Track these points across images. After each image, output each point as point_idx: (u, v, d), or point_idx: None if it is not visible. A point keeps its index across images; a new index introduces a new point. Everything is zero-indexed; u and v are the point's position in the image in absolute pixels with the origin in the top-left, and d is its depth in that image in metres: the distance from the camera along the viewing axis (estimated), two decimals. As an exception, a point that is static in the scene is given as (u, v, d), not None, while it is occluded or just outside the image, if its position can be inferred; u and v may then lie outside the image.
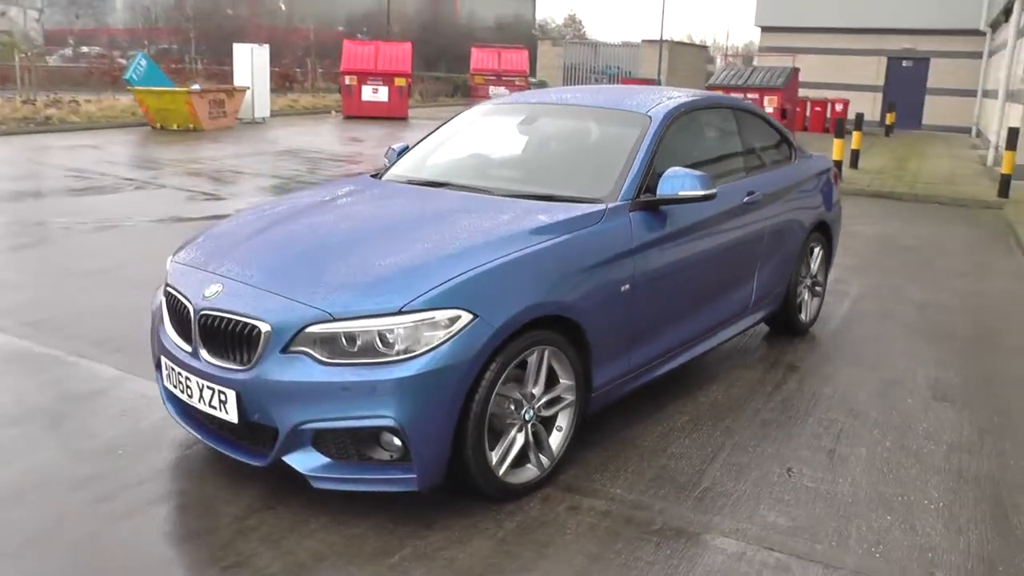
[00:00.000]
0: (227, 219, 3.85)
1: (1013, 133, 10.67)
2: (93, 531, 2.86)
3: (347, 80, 22.15)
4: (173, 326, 3.21)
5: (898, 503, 3.30)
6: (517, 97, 4.96)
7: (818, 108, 23.84)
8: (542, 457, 3.21)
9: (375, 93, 22.02)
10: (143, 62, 17.98)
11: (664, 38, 33.62)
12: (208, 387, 2.95)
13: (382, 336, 2.76)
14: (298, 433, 2.80)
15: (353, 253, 3.10)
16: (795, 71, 22.75)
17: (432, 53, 37.17)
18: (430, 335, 2.77)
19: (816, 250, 5.35)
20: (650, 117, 4.03)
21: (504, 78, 27.86)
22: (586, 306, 3.26)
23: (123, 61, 25.32)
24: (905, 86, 26.95)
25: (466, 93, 31.62)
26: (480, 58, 28.19)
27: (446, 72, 37.40)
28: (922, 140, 22.78)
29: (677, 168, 3.74)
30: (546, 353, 3.11)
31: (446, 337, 2.77)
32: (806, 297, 5.31)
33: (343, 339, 2.77)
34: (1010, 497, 3.39)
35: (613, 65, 34.75)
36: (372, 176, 4.52)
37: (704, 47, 40.97)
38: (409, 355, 2.74)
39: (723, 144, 4.62)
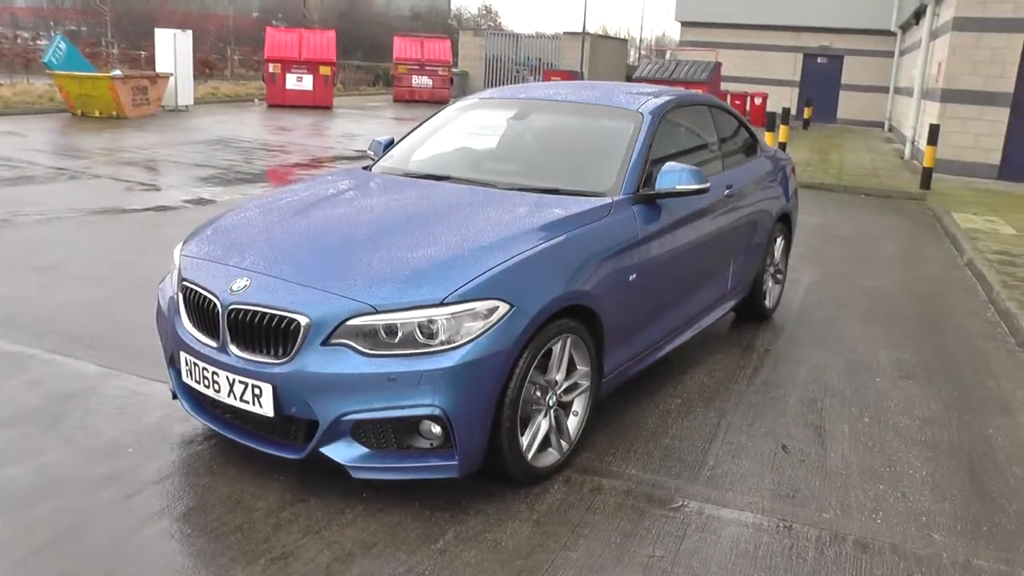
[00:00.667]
0: (229, 212, 3.80)
1: (934, 130, 11.34)
2: (129, 527, 2.83)
3: (271, 68, 21.66)
4: (192, 321, 3.18)
5: (887, 473, 3.55)
6: (504, 92, 5.03)
7: (738, 101, 24.63)
8: (562, 441, 3.32)
9: (299, 82, 21.60)
10: (62, 45, 17.11)
11: (584, 30, 34.00)
12: (240, 381, 2.94)
13: (424, 327, 2.82)
14: (339, 424, 2.82)
15: (381, 246, 3.13)
16: (718, 65, 23.42)
17: (348, 42, 36.58)
18: (470, 325, 2.84)
19: (779, 240, 5.63)
20: (642, 114, 4.17)
21: (427, 68, 27.73)
22: (601, 295, 3.38)
23: (35, 44, 24.02)
24: (820, 82, 28.14)
25: (388, 83, 31.31)
26: (403, 47, 27.96)
27: (362, 61, 36.89)
28: (838, 133, 23.85)
29: (673, 163, 3.90)
30: (568, 341, 3.22)
31: (486, 327, 2.85)
32: (770, 284, 5.58)
33: (386, 331, 2.81)
34: (981, 464, 3.69)
35: (534, 57, 34.90)
36: (364, 169, 4.52)
37: (623, 40, 41.66)
38: (452, 345, 2.81)
39: (703, 139, 4.81)
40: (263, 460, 3.25)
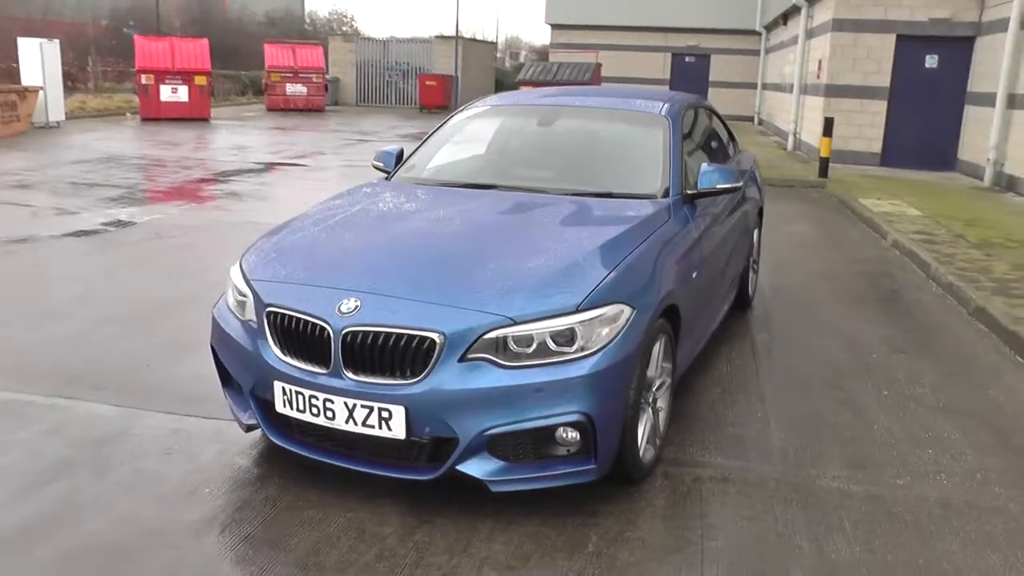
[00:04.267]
0: (282, 233, 3.64)
1: (829, 122, 12.21)
2: (260, 570, 2.68)
3: (144, 80, 20.44)
4: (286, 347, 3.02)
5: (928, 438, 3.85)
6: (515, 99, 5.04)
7: (614, 101, 25.43)
8: (656, 438, 3.40)
9: (174, 93, 20.52)
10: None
11: (443, 33, 34.11)
12: (364, 406, 2.83)
13: (559, 336, 2.82)
14: (478, 440, 2.78)
15: (488, 257, 3.10)
16: (598, 66, 24.12)
17: (207, 50, 34.89)
18: (601, 331, 2.88)
19: (755, 231, 5.94)
20: (667, 118, 4.31)
21: (301, 75, 26.98)
22: (680, 293, 3.49)
23: None
24: (690, 80, 29.48)
25: (258, 91, 30.23)
26: (275, 55, 27.07)
27: (221, 69, 35.39)
28: (710, 128, 25.02)
29: (707, 164, 4.07)
30: (663, 339, 3.31)
31: (616, 331, 2.90)
32: (751, 274, 5.88)
33: (523, 342, 2.80)
34: (998, 423, 4.07)
35: (403, 61, 34.62)
36: (385, 179, 4.43)
37: (493, 43, 42.04)
38: (590, 351, 2.83)
39: (707, 140, 5.03)
40: (353, 484, 3.15)
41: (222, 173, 12.12)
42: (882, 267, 7.42)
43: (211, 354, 3.52)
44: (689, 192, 3.97)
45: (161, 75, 20.38)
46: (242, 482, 3.25)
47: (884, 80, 13.91)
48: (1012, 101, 11.62)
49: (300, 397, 2.94)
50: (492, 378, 2.76)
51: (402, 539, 2.87)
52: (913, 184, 12.09)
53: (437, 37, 34.71)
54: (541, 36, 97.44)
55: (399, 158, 4.61)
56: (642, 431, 3.20)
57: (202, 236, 7.81)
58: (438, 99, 29.06)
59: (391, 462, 2.95)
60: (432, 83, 29.44)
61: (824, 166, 12.27)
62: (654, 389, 3.32)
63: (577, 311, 2.86)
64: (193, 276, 6.27)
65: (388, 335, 2.82)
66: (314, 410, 2.93)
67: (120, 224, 8.22)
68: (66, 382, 4.17)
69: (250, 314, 3.19)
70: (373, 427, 2.84)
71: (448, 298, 2.88)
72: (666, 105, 4.48)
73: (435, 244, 3.27)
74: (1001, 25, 12.25)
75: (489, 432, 2.78)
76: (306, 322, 2.95)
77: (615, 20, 29.46)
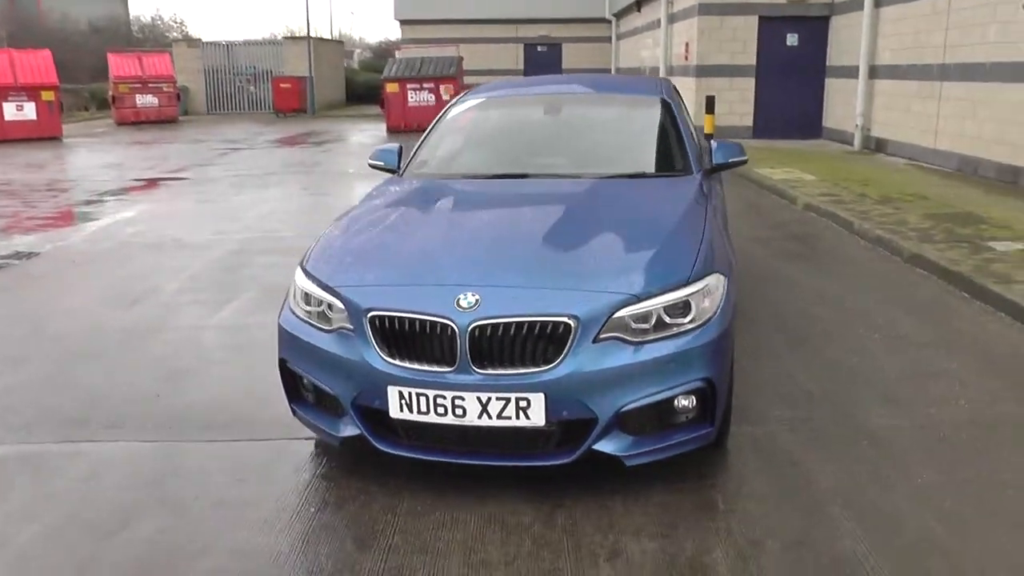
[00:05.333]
0: (342, 238, 3.54)
1: (711, 100, 12.97)
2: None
3: (-19, 98, 18.64)
4: (397, 350, 2.98)
5: (933, 371, 4.27)
6: (506, 90, 5.09)
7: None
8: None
9: (20, 111, 18.82)
10: None
11: (309, 35, 33.20)
12: (499, 398, 2.84)
13: (672, 309, 2.96)
14: (614, 418, 2.88)
15: (581, 241, 3.20)
16: (461, 59, 24.21)
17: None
18: (705, 300, 3.04)
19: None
20: (666, 101, 4.54)
21: (151, 85, 25.47)
22: (725, 263, 3.71)
23: None
24: (543, 69, 30.22)
25: (101, 105, 28.27)
26: (120, 65, 25.38)
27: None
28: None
29: (715, 141, 4.32)
30: (728, 305, 3.52)
31: (719, 298, 3.07)
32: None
33: (642, 318, 2.92)
34: (981, 349, 4.59)
35: (251, 65, 33.32)
36: (397, 176, 4.40)
37: (341, 42, 41.20)
38: (703, 320, 2.99)
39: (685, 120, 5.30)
40: (452, 483, 3.16)
41: (108, 192, 11.34)
42: (806, 228, 8.03)
43: (280, 370, 3.39)
44: (710, 166, 4.21)
45: (3, 91, 18.65)
46: (344, 497, 3.17)
47: (751, 59, 14.90)
48: (873, 72, 12.79)
49: (423, 399, 2.91)
50: (625, 355, 2.86)
51: (547, 525, 2.91)
52: (792, 152, 13.06)
53: (287, 38, 33.64)
54: (375, 34, 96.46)
55: (400, 155, 4.59)
56: (723, 394, 3.40)
57: (126, 257, 7.32)
58: (293, 103, 28.22)
59: (524, 452, 2.99)
60: (287, 85, 28.49)
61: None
62: (728, 349, 3.53)
63: (688, 283, 3.01)
64: (139, 299, 5.92)
65: (519, 325, 2.85)
66: (440, 409, 2.91)
67: (22, 255, 7.56)
68: (71, 426, 3.84)
69: (340, 322, 3.11)
70: (510, 418, 2.86)
71: (570, 282, 2.95)
72: (659, 87, 4.71)
73: (522, 232, 3.33)
74: (853, 5, 13.45)
75: (625, 409, 2.88)
76: (423, 322, 2.92)
77: (465, 13, 29.75)
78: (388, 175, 4.55)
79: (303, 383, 3.31)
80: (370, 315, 3.01)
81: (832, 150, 13.42)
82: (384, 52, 57.96)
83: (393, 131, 20.86)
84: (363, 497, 3.16)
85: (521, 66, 30.91)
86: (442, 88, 22.43)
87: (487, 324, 2.86)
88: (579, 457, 2.94)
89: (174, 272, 6.71)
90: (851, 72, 13.40)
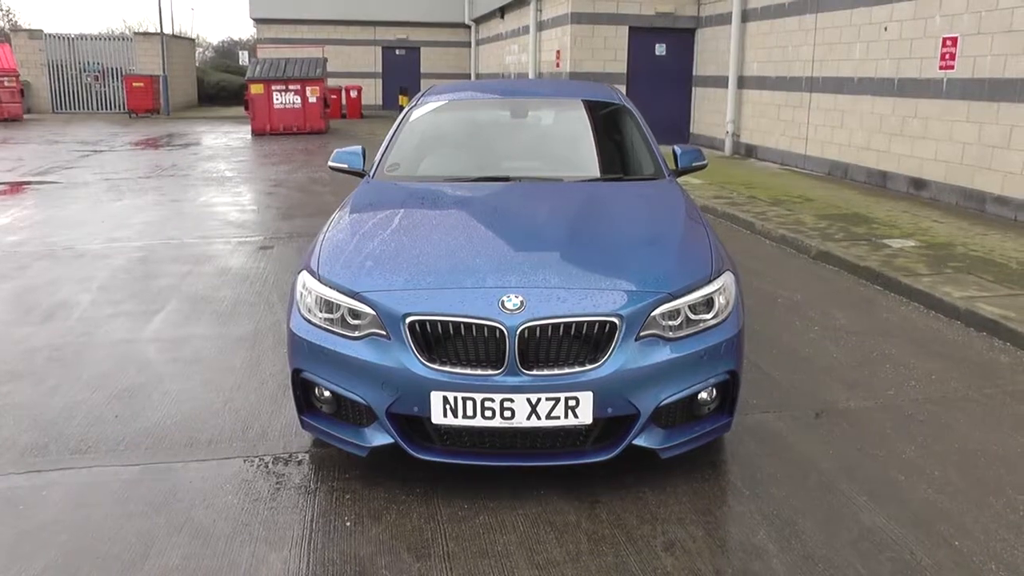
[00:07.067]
0: (353, 243, 3.41)
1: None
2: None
3: None
4: (435, 356, 2.94)
5: (879, 357, 4.68)
6: (470, 92, 5.07)
7: (334, 96, 25.26)
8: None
9: None
10: None
11: (161, 31, 31.29)
12: (549, 399, 2.86)
13: (697, 306, 3.09)
14: (653, 413, 2.98)
15: (609, 243, 3.33)
16: (325, 61, 23.63)
17: None
18: (724, 296, 3.20)
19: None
20: (626, 105, 4.71)
21: (-11, 80, 23.25)
22: (729, 262, 3.91)
23: None
24: (401, 72, 30.05)
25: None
26: (-51, 57, 22.96)
27: None
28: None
29: (679, 146, 4.56)
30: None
31: (732, 294, 3.24)
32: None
33: (675, 314, 3.03)
34: (912, 336, 5.04)
35: (97, 62, 30.89)
36: (368, 181, 4.31)
37: (192, 40, 39.00)
38: (724, 316, 3.14)
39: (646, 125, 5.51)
40: (480, 485, 3.17)
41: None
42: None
43: (292, 381, 3.25)
44: (677, 170, 4.41)
45: None
46: (377, 508, 3.07)
47: (621, 67, 15.51)
48: (742, 82, 13.67)
49: (470, 403, 2.88)
50: (664, 352, 2.96)
51: (594, 521, 2.97)
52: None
53: (138, 34, 31.57)
54: (217, 32, 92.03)
55: (364, 157, 4.50)
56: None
57: (18, 268, 6.67)
58: (148, 103, 26.56)
59: (566, 451, 3.03)
60: (140, 84, 26.69)
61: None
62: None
63: (710, 281, 3.16)
64: (51, 313, 5.47)
65: (567, 325, 2.89)
66: (488, 412, 2.89)
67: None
68: (30, 454, 3.49)
69: (370, 328, 3.02)
70: (559, 418, 2.89)
71: (610, 282, 3.02)
72: (617, 91, 4.87)
73: (545, 234, 3.37)
74: (718, 20, 14.33)
75: (663, 403, 2.99)
76: (468, 325, 2.90)
77: (322, 14, 29.09)
78: (357, 177, 4.44)
79: (318, 393, 3.19)
80: (408, 320, 2.94)
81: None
82: (228, 51, 55.31)
83: (258, 134, 20.09)
84: (396, 507, 3.08)
85: (379, 69, 30.56)
86: (308, 90, 21.78)
87: (536, 325, 2.88)
88: (620, 453, 3.01)
89: (80, 283, 6.19)
90: (718, 81, 14.27)
